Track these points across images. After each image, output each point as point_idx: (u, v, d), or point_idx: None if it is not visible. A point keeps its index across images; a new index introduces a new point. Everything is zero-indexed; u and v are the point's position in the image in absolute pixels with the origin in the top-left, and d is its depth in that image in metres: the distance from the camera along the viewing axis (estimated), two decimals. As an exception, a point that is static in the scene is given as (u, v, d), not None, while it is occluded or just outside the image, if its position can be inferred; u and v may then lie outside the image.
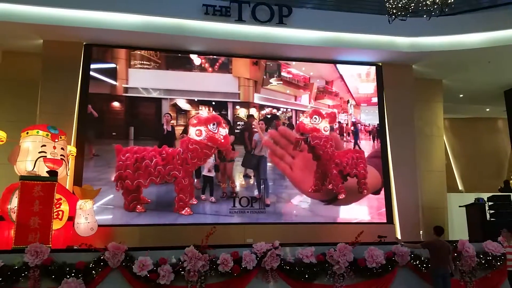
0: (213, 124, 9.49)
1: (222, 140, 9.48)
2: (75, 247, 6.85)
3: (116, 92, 9.54)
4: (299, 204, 9.75)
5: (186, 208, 9.06)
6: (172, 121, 9.62)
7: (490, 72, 10.99)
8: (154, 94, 9.70)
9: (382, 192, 10.19)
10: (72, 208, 7.33)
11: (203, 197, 9.35)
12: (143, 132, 9.47)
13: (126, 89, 9.59)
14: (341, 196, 9.89)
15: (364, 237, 6.94)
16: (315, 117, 10.14)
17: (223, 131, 9.59)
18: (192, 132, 9.45)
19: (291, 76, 10.47)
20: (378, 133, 10.56)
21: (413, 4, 6.62)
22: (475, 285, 7.06)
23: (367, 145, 10.51)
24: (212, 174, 9.51)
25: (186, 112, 9.76)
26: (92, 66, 9.43)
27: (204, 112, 9.74)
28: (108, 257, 5.94)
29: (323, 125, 10.10)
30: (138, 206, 8.91)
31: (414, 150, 10.48)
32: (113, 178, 8.94)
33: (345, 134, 10.43)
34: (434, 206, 10.65)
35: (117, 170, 8.93)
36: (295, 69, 10.52)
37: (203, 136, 9.40)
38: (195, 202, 9.22)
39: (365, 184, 10.06)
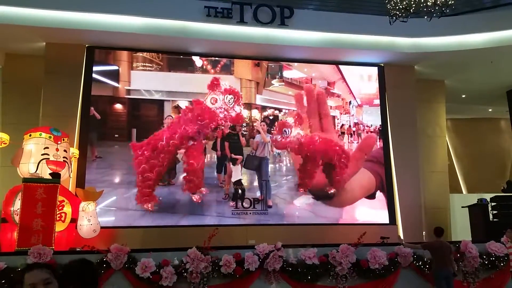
0: (231, 97, 9.53)
1: (233, 115, 9.51)
2: (78, 249, 6.88)
3: (118, 94, 9.56)
4: (301, 205, 9.76)
5: (202, 189, 9.21)
6: (174, 123, 9.64)
7: (493, 72, 10.97)
8: (156, 96, 9.72)
9: (379, 195, 10.16)
10: (75, 210, 7.35)
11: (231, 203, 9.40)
12: (145, 133, 9.48)
13: (128, 91, 9.62)
14: (332, 190, 9.84)
15: (366, 238, 6.93)
16: (284, 131, 9.92)
17: (238, 108, 9.63)
18: (208, 98, 9.48)
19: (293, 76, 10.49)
20: (380, 134, 10.54)
21: (414, 5, 6.61)
22: (478, 286, 7.04)
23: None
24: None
25: (188, 113, 9.77)
26: (95, 68, 9.46)
27: (225, 83, 9.74)
28: (111, 258, 5.95)
29: (295, 133, 9.92)
30: (149, 204, 8.93)
31: (417, 151, 10.46)
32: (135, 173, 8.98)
33: (348, 136, 10.43)
34: (437, 206, 10.63)
35: (138, 166, 8.94)
36: (297, 70, 10.53)
37: (218, 104, 9.43)
38: (204, 192, 9.24)
39: (338, 182, 9.88)
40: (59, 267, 5.55)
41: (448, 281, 6.42)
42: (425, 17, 6.95)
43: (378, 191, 10.17)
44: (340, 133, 10.41)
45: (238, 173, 9.59)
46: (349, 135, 10.49)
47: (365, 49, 10.02)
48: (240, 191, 9.49)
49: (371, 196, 10.11)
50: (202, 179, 9.27)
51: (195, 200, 9.15)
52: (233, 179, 9.55)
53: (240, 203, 9.41)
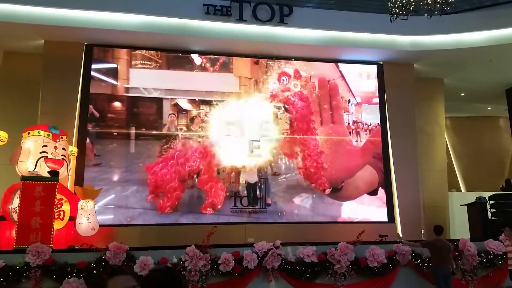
0: None
1: None
2: (76, 247, 6.88)
3: (117, 92, 9.54)
4: (301, 203, 9.76)
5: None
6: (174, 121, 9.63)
7: (492, 70, 10.96)
8: (155, 94, 9.70)
9: (381, 191, 10.17)
10: (74, 208, 7.35)
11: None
12: (144, 132, 9.47)
13: (127, 89, 9.60)
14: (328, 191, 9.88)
15: (365, 236, 6.93)
16: (283, 79, 10.16)
17: None
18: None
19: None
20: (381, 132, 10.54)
21: (414, 3, 6.60)
22: (477, 284, 7.06)
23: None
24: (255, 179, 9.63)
25: (187, 111, 9.76)
26: (93, 66, 9.44)
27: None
28: (110, 257, 5.94)
29: (292, 84, 10.18)
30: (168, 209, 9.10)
31: (416, 149, 10.46)
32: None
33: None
34: (436, 205, 10.64)
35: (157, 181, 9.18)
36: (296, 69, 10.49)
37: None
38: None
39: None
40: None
41: (447, 279, 6.43)
42: (425, 15, 6.95)
43: (381, 187, 10.19)
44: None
45: (255, 175, 9.60)
46: (348, 133, 10.47)
47: (364, 47, 10.01)
48: (252, 193, 9.51)
49: (374, 192, 10.13)
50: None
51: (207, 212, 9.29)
52: (250, 181, 9.58)
53: (252, 205, 9.46)
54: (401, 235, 8.88)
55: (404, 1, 6.53)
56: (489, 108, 14.20)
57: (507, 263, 7.15)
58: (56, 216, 6.83)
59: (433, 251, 6.64)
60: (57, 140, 7.30)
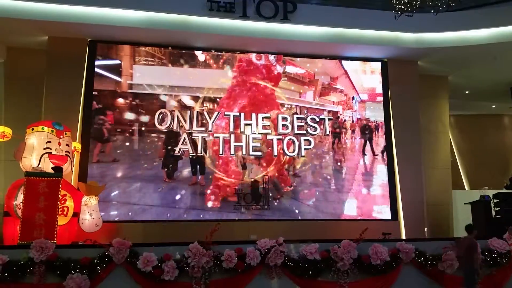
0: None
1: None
2: (80, 243, 6.88)
3: (120, 88, 9.55)
4: (304, 201, 9.76)
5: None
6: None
7: (496, 68, 10.91)
8: (159, 91, 9.70)
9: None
10: (77, 204, 7.37)
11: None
12: (148, 128, 9.47)
13: (130, 86, 9.60)
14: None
15: (368, 234, 6.91)
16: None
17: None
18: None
19: (296, 72, 10.44)
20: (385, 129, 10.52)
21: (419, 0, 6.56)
22: (480, 282, 7.01)
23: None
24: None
25: (190, 108, 9.75)
26: (97, 62, 9.46)
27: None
28: (113, 253, 5.95)
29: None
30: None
31: (419, 147, 10.43)
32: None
33: (350, 131, 10.39)
34: (439, 203, 10.61)
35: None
36: (300, 66, 10.47)
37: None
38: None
39: None
40: None
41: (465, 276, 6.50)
42: (432, 11, 6.90)
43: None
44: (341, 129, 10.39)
45: (258, 172, 9.60)
46: (352, 131, 10.46)
47: (368, 44, 9.97)
48: (255, 190, 9.53)
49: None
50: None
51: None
52: (253, 178, 9.58)
53: (255, 202, 9.46)
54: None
55: (410, -3, 6.49)
56: (493, 106, 14.15)
57: (511, 262, 7.13)
58: (60, 212, 6.84)
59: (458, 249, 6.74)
60: (61, 136, 7.31)
